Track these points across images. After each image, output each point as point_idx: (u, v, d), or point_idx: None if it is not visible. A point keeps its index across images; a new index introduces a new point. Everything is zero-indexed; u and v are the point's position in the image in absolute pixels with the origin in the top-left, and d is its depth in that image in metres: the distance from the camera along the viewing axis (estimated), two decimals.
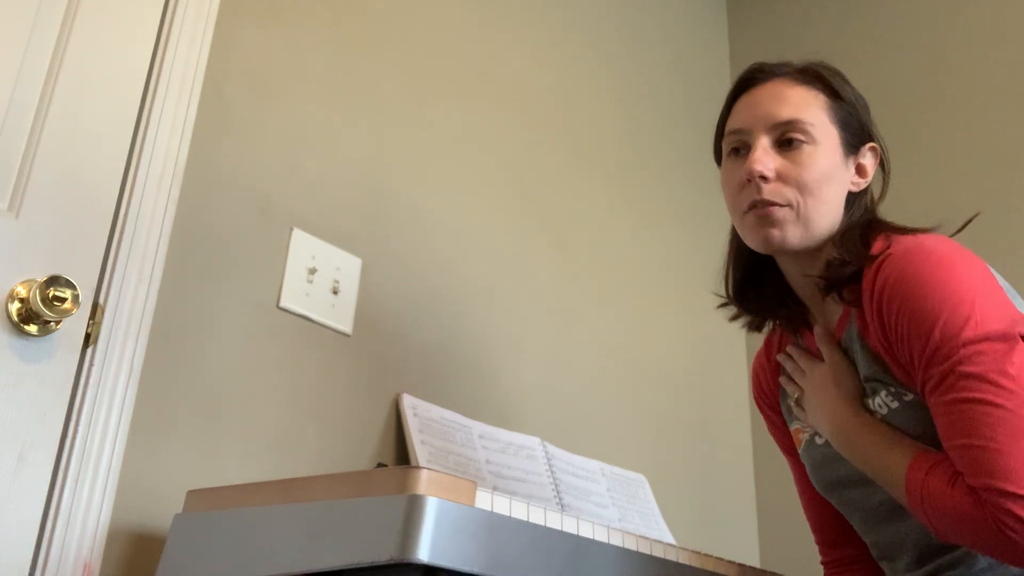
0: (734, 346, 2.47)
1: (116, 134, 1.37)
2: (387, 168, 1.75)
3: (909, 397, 1.06)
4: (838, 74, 1.20)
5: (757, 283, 1.25)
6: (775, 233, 1.12)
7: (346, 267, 1.62)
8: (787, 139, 1.13)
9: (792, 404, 1.25)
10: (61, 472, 1.22)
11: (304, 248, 1.57)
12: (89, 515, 1.22)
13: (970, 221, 1.16)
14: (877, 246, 1.10)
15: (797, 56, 1.24)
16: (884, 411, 1.08)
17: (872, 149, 1.20)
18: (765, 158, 1.12)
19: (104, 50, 1.39)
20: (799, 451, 1.25)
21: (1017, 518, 0.91)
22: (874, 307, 1.05)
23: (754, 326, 1.28)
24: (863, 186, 1.18)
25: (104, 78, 1.38)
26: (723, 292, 1.27)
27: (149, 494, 1.29)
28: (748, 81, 1.20)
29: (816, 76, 1.18)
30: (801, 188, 1.12)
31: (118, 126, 1.38)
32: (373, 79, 1.78)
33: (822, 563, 1.33)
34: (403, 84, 1.83)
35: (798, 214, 1.12)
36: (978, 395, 0.96)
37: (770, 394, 1.33)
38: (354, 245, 1.65)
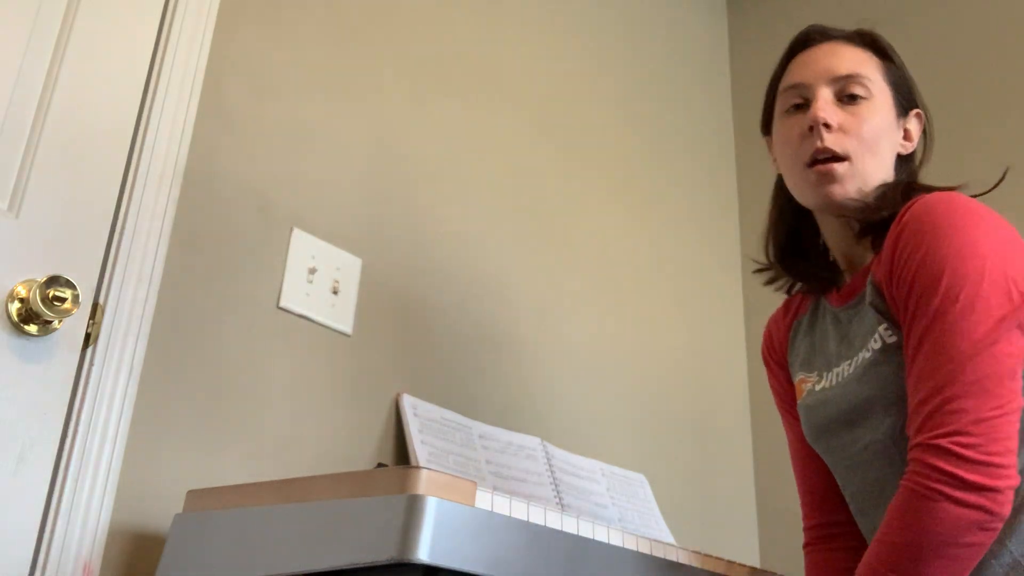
0: (734, 346, 2.47)
1: (116, 134, 1.37)
2: (387, 168, 1.75)
3: (899, 337, 1.07)
4: (887, 42, 1.25)
5: (800, 246, 1.29)
6: (836, 189, 1.15)
7: (346, 267, 1.62)
8: (847, 94, 1.17)
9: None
10: (61, 472, 1.22)
11: (304, 248, 1.57)
12: (89, 515, 1.22)
13: (1002, 179, 1.19)
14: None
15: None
16: (878, 345, 1.09)
17: (918, 115, 1.23)
18: (828, 107, 1.16)
19: (104, 50, 1.39)
20: (799, 402, 1.27)
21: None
22: (892, 240, 1.08)
23: (787, 289, 1.32)
24: (909, 150, 1.22)
25: (104, 78, 1.38)
26: (763, 257, 1.31)
27: (149, 494, 1.29)
28: (803, 42, 1.25)
29: (869, 40, 1.23)
30: (860, 140, 1.15)
31: (118, 126, 1.38)
32: (373, 79, 1.78)
33: (804, 529, 1.33)
34: (403, 84, 1.83)
35: (856, 169, 1.15)
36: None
37: (779, 350, 1.36)
38: (354, 245, 1.65)
